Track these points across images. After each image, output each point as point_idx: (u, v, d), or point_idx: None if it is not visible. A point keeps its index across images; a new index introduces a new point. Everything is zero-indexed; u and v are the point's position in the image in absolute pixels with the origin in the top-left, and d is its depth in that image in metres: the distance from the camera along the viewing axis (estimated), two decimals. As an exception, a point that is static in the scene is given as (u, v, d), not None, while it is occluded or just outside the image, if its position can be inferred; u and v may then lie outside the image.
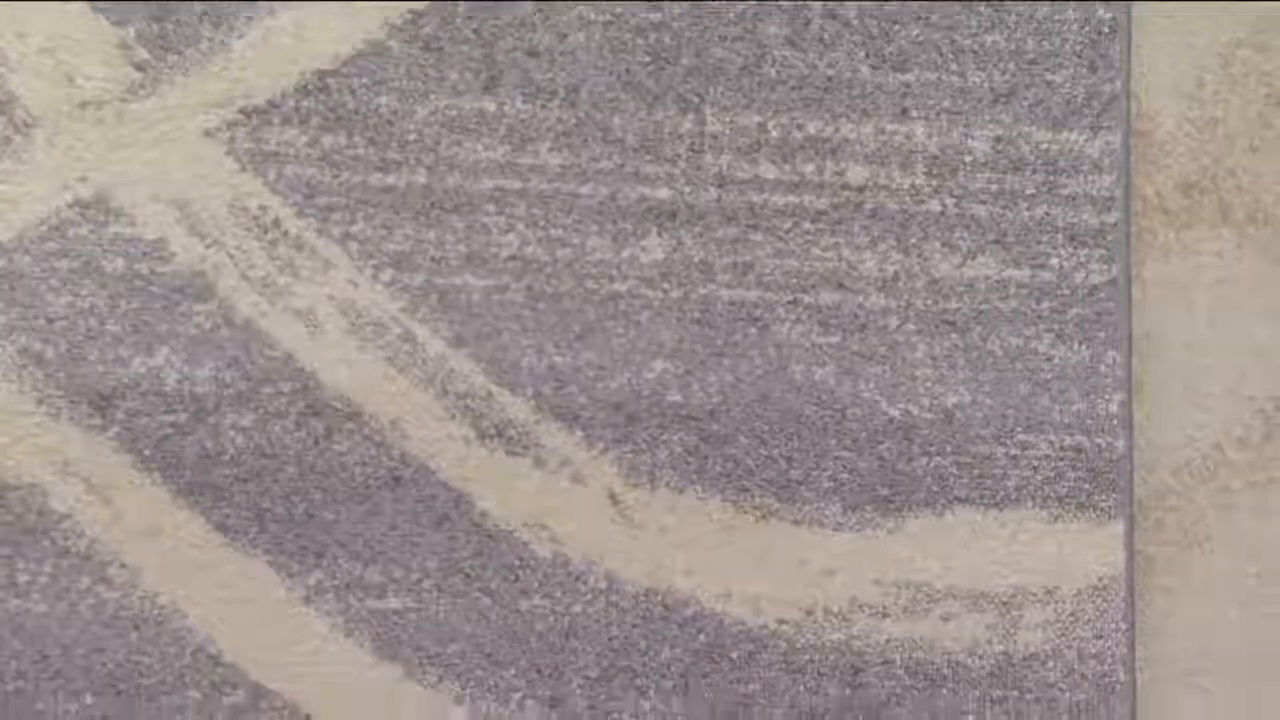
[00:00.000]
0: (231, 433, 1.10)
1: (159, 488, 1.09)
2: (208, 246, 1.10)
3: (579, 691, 1.10)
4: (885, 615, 1.10)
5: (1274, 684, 1.10)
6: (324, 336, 1.10)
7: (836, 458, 1.11)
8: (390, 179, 1.11)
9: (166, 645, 1.10)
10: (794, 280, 1.11)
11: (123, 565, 1.09)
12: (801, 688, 1.10)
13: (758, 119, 1.12)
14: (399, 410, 1.10)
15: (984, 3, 1.13)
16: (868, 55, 1.12)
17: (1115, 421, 1.11)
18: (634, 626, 1.10)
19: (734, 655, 1.10)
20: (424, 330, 1.10)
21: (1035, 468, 1.11)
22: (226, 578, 1.10)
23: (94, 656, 1.09)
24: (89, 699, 1.09)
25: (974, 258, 1.12)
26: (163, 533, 1.09)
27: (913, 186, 1.12)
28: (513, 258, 1.11)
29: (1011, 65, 1.12)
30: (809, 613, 1.10)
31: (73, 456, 1.09)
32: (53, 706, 1.09)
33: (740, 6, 1.12)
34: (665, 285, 1.11)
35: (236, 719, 1.10)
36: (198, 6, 1.10)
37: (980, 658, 1.10)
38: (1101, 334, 1.11)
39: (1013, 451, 1.11)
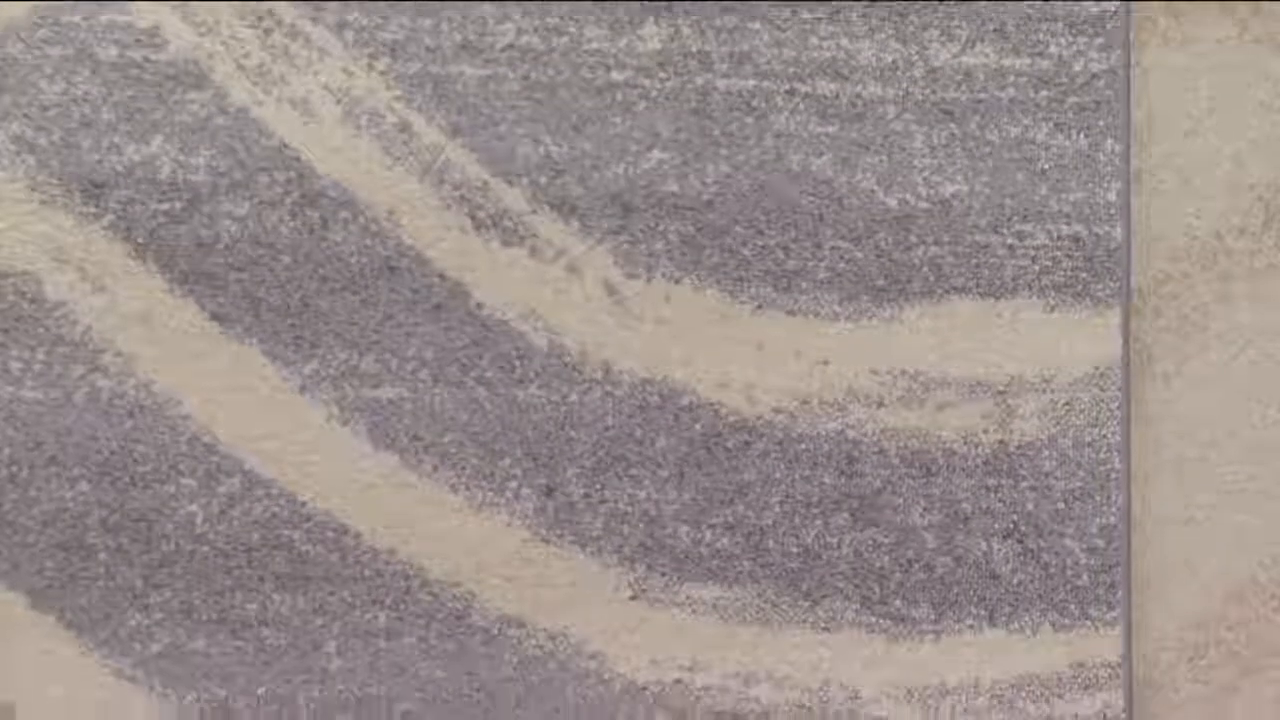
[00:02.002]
0: (226, 221, 1.09)
1: (153, 276, 1.09)
2: (202, 34, 1.09)
3: (575, 480, 1.10)
4: (881, 404, 1.10)
5: (1269, 469, 1.10)
6: (319, 125, 1.09)
7: (833, 248, 1.10)
8: (385, -34, 1.10)
9: (161, 433, 1.09)
10: (791, 69, 1.11)
11: (117, 353, 1.09)
12: (797, 476, 1.10)
13: (755, -93, 1.11)
14: (394, 200, 1.10)
15: None
16: None
17: (1113, 210, 1.10)
18: (630, 416, 1.10)
19: (729, 444, 1.10)
20: (419, 119, 1.10)
21: (1032, 257, 1.10)
22: (221, 366, 1.10)
23: (89, 444, 1.09)
24: (84, 486, 1.09)
25: (972, 46, 1.11)
26: (157, 321, 1.09)
27: (911, -26, 1.11)
28: (509, 46, 1.10)
29: None
30: (805, 402, 1.10)
31: (66, 244, 1.09)
32: (47, 493, 1.09)
33: None
34: (662, 75, 1.10)
35: (231, 507, 1.10)
36: None
37: (976, 446, 1.10)
38: (1100, 123, 1.11)
39: (1010, 241, 1.10)
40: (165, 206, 1.09)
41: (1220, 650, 1.11)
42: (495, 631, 1.10)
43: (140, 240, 1.09)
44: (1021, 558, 1.09)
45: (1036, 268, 1.10)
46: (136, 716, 1.09)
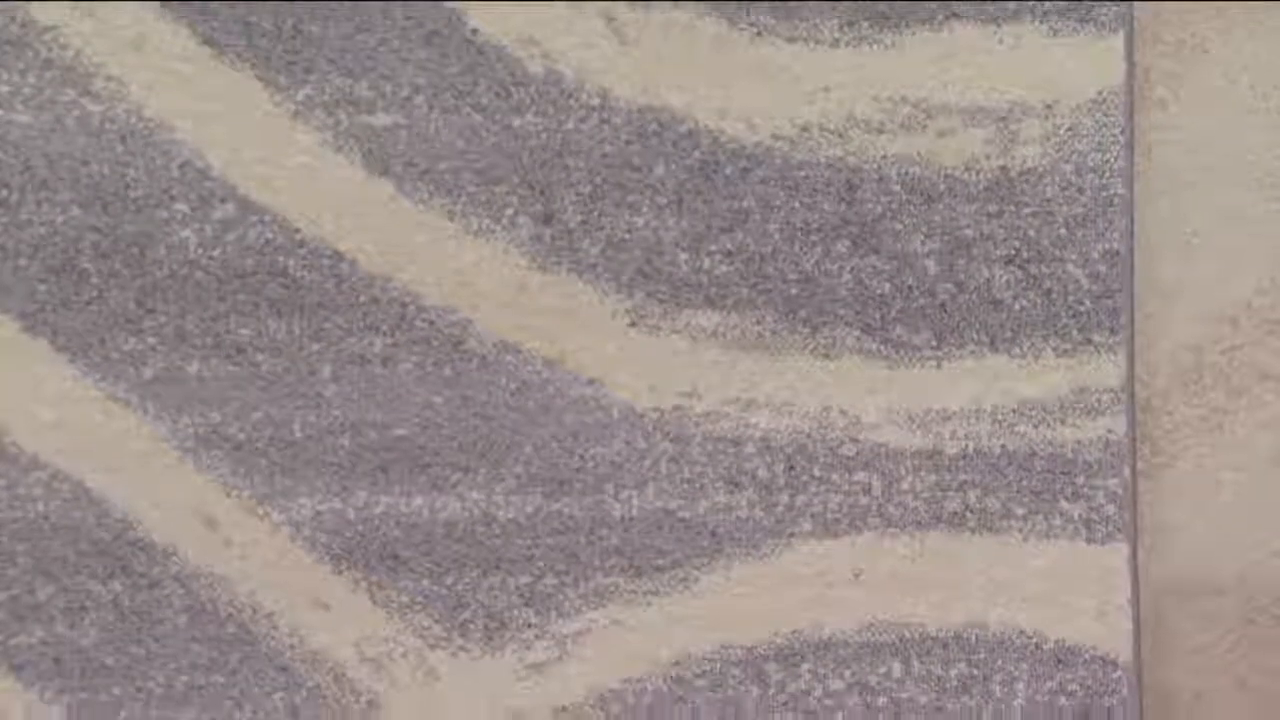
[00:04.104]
0: (218, -57, 1.08)
1: (144, -1, 1.08)
2: None
3: (572, 207, 1.09)
4: (882, 131, 1.09)
5: (1265, 193, 1.09)
6: None
7: (834, -30, 1.09)
8: None
9: (153, 158, 1.08)
10: None
11: (108, 78, 1.08)
12: (797, 204, 1.09)
13: None
14: (389, -78, 1.08)
15: None
16: None
17: (1117, -69, 1.09)
18: (628, 143, 1.09)
19: (728, 171, 1.09)
20: None
21: (1035, -20, 1.09)
22: (214, 91, 1.08)
23: (80, 169, 1.08)
24: (75, 210, 1.08)
25: None
26: (149, 45, 1.08)
27: None
28: None
29: None
30: (805, 129, 1.09)
31: (56, -35, 1.07)
32: (39, 217, 1.08)
33: None
34: None
35: (225, 232, 1.08)
36: None
37: (977, 173, 1.09)
38: None
39: (1012, -37, 1.09)
40: (156, -72, 1.07)
41: (1213, 374, 1.10)
42: (491, 357, 1.09)
43: (131, -38, 1.07)
44: (1023, 283, 1.08)
45: (1039, -8, 1.09)
46: (130, 440, 1.08)
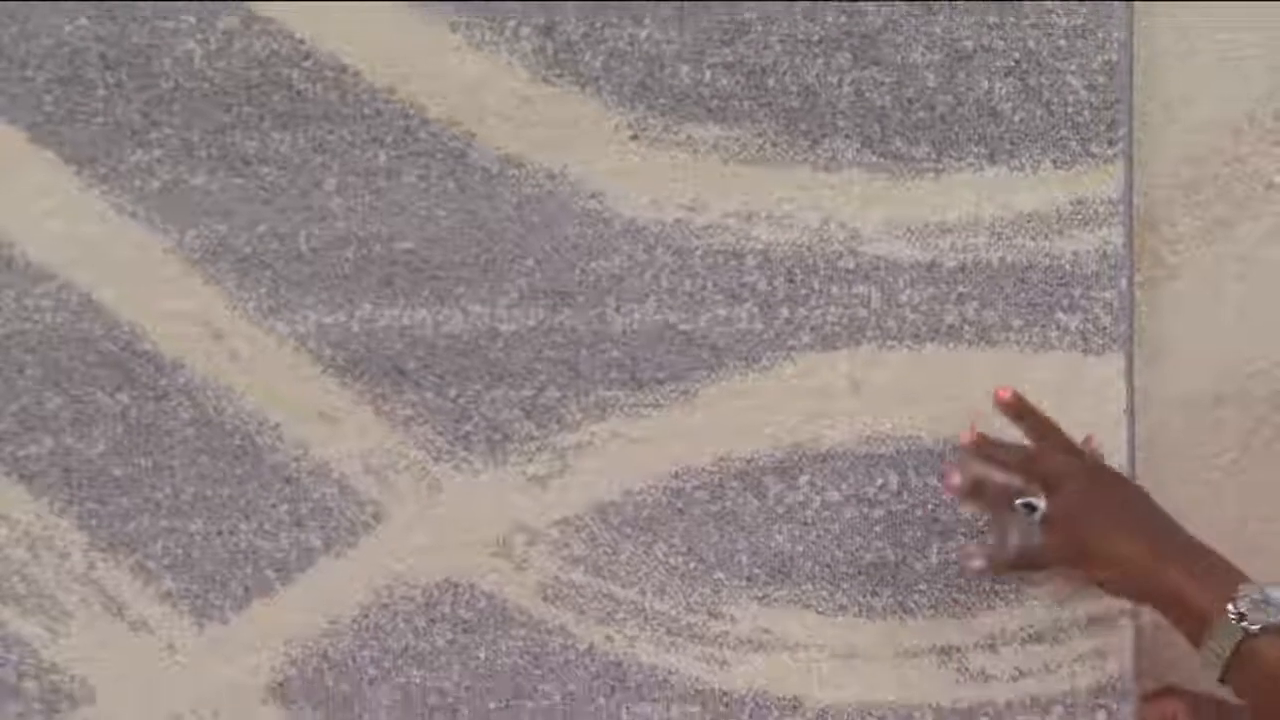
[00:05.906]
0: None
1: None
2: None
3: (574, 19, 1.09)
4: (884, -46, 1.09)
5: (1269, 13, 1.09)
6: None
7: None
8: None
9: (159, -29, 1.09)
10: None
11: (113, -110, 1.08)
12: (797, 15, 1.09)
13: None
14: None
15: None
16: None
17: None
18: (629, -41, 1.09)
19: (731, -16, 1.09)
20: None
21: None
22: (218, -97, 1.09)
23: (87, -21, 1.09)
24: (83, 20, 1.09)
25: None
26: None
27: None
28: None
29: None
30: (806, -59, 1.09)
31: None
32: (45, 28, 1.09)
33: None
34: None
35: (230, 44, 1.09)
36: None
37: (979, -19, 1.09)
38: None
39: None
40: None
41: (1216, 185, 1.10)
42: (494, 171, 1.10)
43: None
44: (1023, 95, 1.08)
45: None
46: (137, 252, 1.10)
